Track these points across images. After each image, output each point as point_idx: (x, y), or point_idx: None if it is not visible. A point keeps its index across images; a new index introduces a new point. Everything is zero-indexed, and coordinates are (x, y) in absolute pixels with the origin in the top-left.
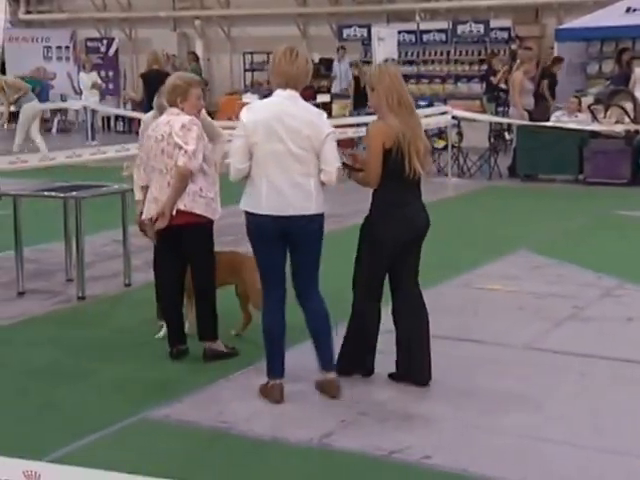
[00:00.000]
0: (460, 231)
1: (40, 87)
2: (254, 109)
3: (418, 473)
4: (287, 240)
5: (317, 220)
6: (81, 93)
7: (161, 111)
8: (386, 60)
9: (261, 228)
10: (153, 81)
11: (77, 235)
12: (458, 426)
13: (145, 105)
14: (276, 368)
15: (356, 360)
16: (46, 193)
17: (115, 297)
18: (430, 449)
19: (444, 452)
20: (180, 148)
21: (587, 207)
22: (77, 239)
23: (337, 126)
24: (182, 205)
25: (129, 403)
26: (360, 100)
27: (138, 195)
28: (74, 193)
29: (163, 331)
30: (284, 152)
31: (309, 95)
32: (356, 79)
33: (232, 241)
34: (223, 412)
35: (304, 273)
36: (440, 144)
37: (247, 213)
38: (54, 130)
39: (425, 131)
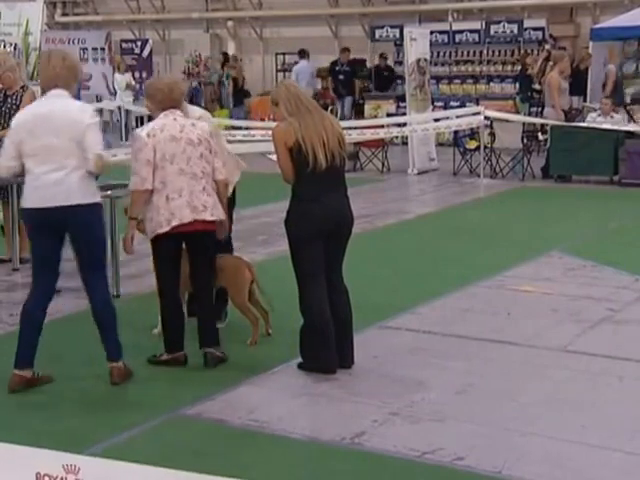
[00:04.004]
0: (493, 232)
1: None
2: (24, 112)
3: (451, 474)
4: (64, 232)
5: (81, 210)
6: (115, 94)
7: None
8: (418, 60)
9: (29, 220)
10: None
11: (112, 234)
12: (492, 428)
13: None
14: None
15: (330, 355)
16: None
17: (149, 295)
18: (463, 450)
19: (477, 454)
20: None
21: (622, 208)
22: (112, 238)
23: (368, 127)
24: (210, 215)
25: (163, 400)
26: (239, 99)
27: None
28: (109, 192)
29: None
30: (42, 146)
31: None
32: (234, 80)
33: (263, 241)
34: (254, 411)
35: (87, 264)
36: (472, 145)
37: (25, 209)
38: None
39: (456, 132)
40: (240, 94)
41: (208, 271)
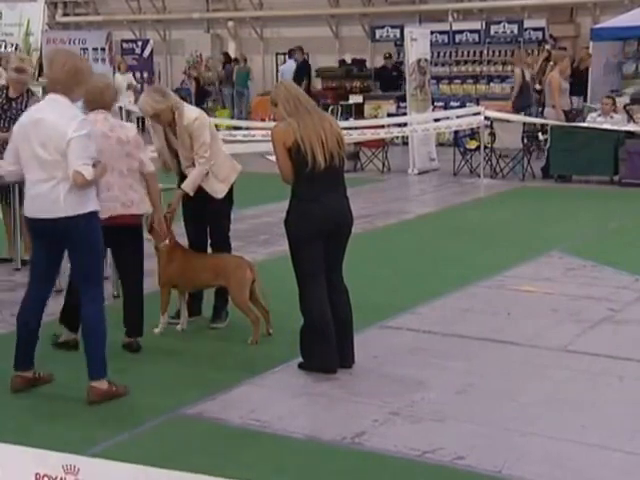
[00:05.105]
0: (493, 232)
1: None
2: (24, 115)
3: (451, 474)
4: (62, 243)
5: (71, 222)
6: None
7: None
8: (418, 60)
9: (28, 229)
10: None
11: None
12: (492, 428)
13: None
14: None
15: (331, 354)
16: None
17: (149, 295)
18: (463, 450)
19: (478, 453)
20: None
21: (623, 208)
22: None
23: (368, 127)
24: (136, 209)
25: (163, 400)
26: (202, 99)
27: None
28: None
29: (160, 326)
30: (32, 155)
31: (341, 95)
32: (196, 80)
33: (264, 240)
34: (255, 411)
35: (78, 277)
36: (472, 145)
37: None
38: None
39: (457, 132)
40: (201, 94)
41: (135, 263)
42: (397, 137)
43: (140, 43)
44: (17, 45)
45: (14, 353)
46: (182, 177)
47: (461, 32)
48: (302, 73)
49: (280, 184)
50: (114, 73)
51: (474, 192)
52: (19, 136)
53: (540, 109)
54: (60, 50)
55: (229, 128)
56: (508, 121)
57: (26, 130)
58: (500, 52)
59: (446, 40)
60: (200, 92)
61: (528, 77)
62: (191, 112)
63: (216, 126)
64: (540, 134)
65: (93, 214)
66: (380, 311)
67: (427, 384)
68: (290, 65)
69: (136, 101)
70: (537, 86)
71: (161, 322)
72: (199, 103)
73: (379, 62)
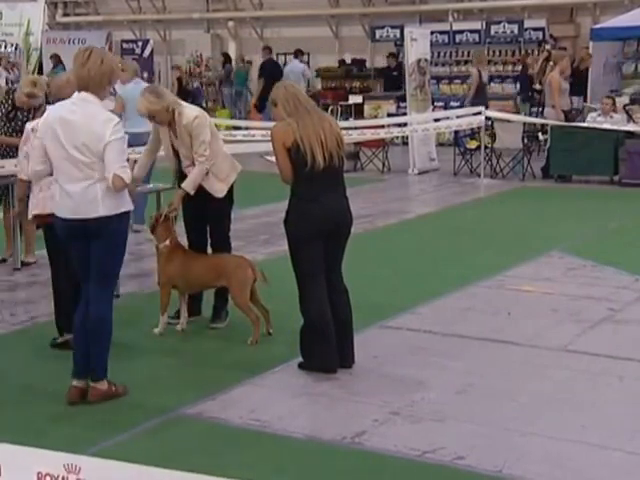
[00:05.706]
0: (493, 232)
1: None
2: (49, 111)
3: (451, 474)
4: (91, 240)
5: (107, 221)
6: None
7: None
8: (418, 60)
9: (59, 229)
10: None
11: None
12: (492, 427)
13: None
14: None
15: (331, 354)
16: None
17: (149, 295)
18: (463, 450)
19: (478, 453)
20: None
21: (623, 208)
22: None
23: (368, 127)
24: None
25: (163, 400)
26: (185, 100)
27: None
28: None
29: (160, 326)
30: (65, 157)
31: (341, 95)
32: (179, 80)
33: (264, 240)
34: (255, 410)
35: (95, 274)
36: (473, 145)
37: (55, 216)
38: None
39: (457, 132)
40: (184, 94)
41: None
42: (397, 137)
43: (140, 43)
44: (17, 45)
45: (72, 360)
46: (182, 176)
47: (461, 32)
48: (265, 73)
49: (280, 184)
50: None
51: (474, 192)
52: (47, 135)
53: (540, 109)
54: (95, 48)
55: (229, 128)
56: (508, 121)
57: (54, 129)
58: (500, 52)
59: (446, 40)
60: (182, 92)
61: (485, 78)
62: (191, 111)
63: (216, 126)
64: (540, 134)
65: (125, 214)
66: (380, 311)
67: (427, 384)
68: (295, 65)
69: None
70: (537, 86)
71: (161, 322)
72: None
73: (379, 62)
